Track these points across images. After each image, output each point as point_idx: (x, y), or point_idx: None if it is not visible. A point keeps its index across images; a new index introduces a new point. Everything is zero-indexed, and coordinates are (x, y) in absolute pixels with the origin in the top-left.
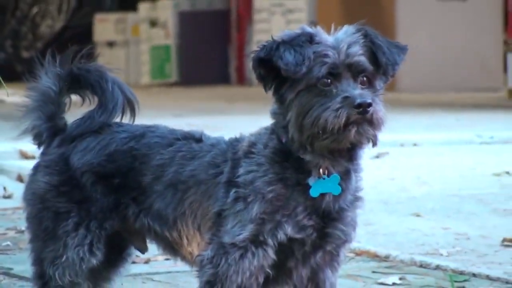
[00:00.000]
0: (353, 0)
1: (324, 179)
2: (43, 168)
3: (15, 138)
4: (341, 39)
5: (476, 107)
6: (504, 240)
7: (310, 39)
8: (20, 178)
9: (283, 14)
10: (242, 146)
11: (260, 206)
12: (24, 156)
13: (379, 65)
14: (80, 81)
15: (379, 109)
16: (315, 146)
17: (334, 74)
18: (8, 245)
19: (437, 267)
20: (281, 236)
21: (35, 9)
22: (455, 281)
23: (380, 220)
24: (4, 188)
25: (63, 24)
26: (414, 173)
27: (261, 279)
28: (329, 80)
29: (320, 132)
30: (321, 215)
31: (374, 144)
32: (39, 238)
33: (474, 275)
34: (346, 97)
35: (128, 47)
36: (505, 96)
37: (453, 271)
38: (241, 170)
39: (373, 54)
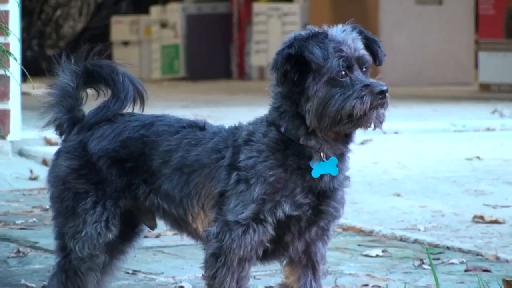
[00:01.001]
0: (341, 5)
1: (324, 161)
2: (64, 153)
3: (41, 129)
4: (346, 36)
5: (451, 99)
6: (475, 217)
7: (326, 36)
8: (45, 162)
9: (279, 17)
10: (242, 135)
11: (261, 187)
12: (49, 142)
13: (374, 57)
14: (94, 76)
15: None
16: (330, 131)
17: (349, 66)
18: (34, 221)
19: (415, 241)
20: (279, 214)
21: (58, 12)
22: (431, 253)
23: (365, 199)
24: (31, 171)
25: (83, 26)
26: (395, 158)
27: (260, 252)
28: (344, 72)
29: (346, 118)
30: (317, 194)
31: (382, 125)
32: (61, 216)
33: (448, 248)
34: (366, 85)
35: (141, 46)
36: (476, 89)
37: (429, 244)
38: (242, 156)
39: (368, 48)
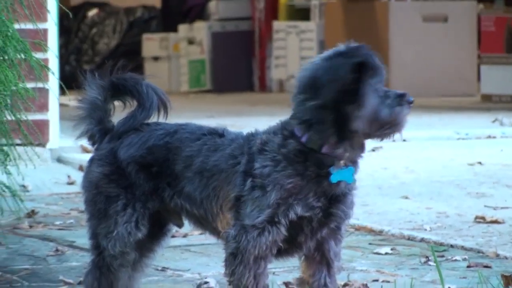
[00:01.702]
0: (353, 23)
1: (343, 169)
2: (97, 160)
3: (75, 139)
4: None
5: (455, 109)
6: (476, 217)
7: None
8: (81, 168)
9: (297, 34)
10: (255, 143)
11: (277, 193)
12: (85, 150)
13: None
14: (120, 89)
15: None
16: (373, 136)
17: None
18: (71, 222)
19: (422, 240)
20: (292, 215)
21: (94, 30)
22: (436, 251)
23: (375, 201)
24: (68, 177)
25: (117, 42)
26: (404, 163)
27: (274, 251)
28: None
29: (390, 123)
30: (329, 198)
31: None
32: (94, 217)
33: (451, 246)
34: (401, 95)
35: (170, 61)
36: (478, 100)
37: (435, 243)
38: (256, 165)
39: None
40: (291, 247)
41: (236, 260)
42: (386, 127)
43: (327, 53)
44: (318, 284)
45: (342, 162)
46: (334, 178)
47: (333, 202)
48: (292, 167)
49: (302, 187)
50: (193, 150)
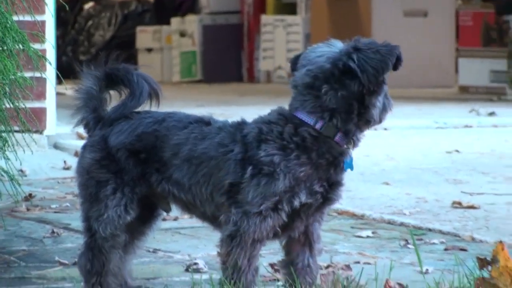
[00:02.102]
0: (337, 17)
1: (351, 158)
2: (89, 147)
3: (72, 128)
4: None
5: (434, 100)
6: (453, 203)
7: None
8: (76, 154)
9: (284, 27)
10: (251, 132)
11: (287, 182)
12: (80, 137)
13: None
14: (113, 79)
15: None
16: (376, 125)
17: None
18: (67, 206)
19: (401, 224)
20: (296, 203)
21: (90, 22)
22: (415, 235)
23: (357, 187)
24: (64, 162)
25: (112, 34)
26: (385, 151)
27: (271, 235)
28: None
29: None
30: (330, 184)
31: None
32: (87, 201)
33: (429, 230)
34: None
35: (163, 52)
36: (456, 91)
37: (414, 227)
38: (261, 153)
39: None
40: (285, 230)
41: (233, 242)
42: (382, 120)
43: (347, 44)
44: (302, 265)
45: (351, 151)
46: (346, 167)
47: (332, 187)
48: (307, 155)
49: (310, 175)
50: (181, 138)
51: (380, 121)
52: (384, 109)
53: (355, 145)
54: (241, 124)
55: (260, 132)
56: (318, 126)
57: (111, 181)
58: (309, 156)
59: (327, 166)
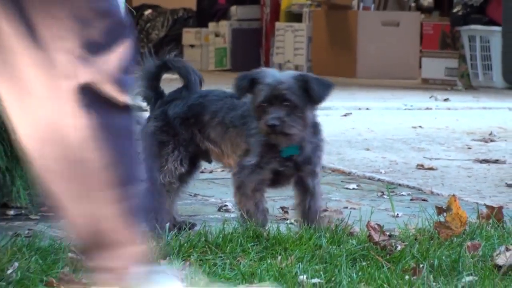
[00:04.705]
0: (332, 25)
1: (288, 148)
2: (153, 118)
3: (133, 95)
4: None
5: (403, 88)
6: (417, 165)
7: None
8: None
9: (292, 32)
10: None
11: (260, 150)
12: (143, 111)
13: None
14: (169, 67)
15: (287, 126)
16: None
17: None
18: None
19: (378, 180)
20: (271, 166)
21: (148, 24)
22: (389, 188)
23: (346, 152)
24: None
25: (164, 34)
26: (366, 125)
27: (266, 185)
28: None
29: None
30: (294, 163)
31: (293, 142)
32: (150, 157)
33: (399, 185)
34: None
35: (202, 48)
36: (420, 82)
37: (388, 182)
38: (252, 130)
39: (306, 90)
40: (277, 183)
41: (240, 192)
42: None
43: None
44: (303, 207)
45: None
46: (284, 154)
47: (297, 166)
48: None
49: (269, 150)
50: (217, 107)
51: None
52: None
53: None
54: None
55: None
56: None
57: (171, 142)
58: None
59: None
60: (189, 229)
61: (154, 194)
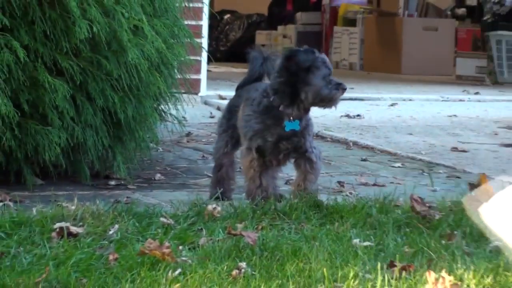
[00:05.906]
0: (381, 29)
1: (291, 121)
2: (228, 105)
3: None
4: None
5: (441, 83)
6: (452, 148)
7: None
8: (218, 108)
9: (347, 35)
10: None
11: (251, 133)
12: (220, 97)
13: None
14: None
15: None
16: (312, 105)
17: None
18: (211, 140)
19: (420, 160)
20: (255, 144)
21: (227, 27)
22: (429, 167)
23: (392, 136)
24: (210, 113)
25: (240, 35)
26: (410, 114)
27: (258, 164)
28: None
29: (327, 99)
30: (279, 137)
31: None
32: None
33: (437, 164)
34: (338, 84)
35: (272, 47)
36: (454, 78)
37: (428, 162)
38: (245, 116)
39: None
40: (269, 160)
41: (243, 172)
42: (324, 101)
43: (288, 53)
44: (297, 183)
45: (291, 118)
46: (287, 128)
47: (283, 140)
48: (261, 118)
49: (263, 130)
50: (246, 99)
51: (313, 103)
52: (317, 95)
53: (297, 115)
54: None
55: (246, 99)
56: (272, 99)
57: (224, 126)
58: (262, 118)
59: (274, 125)
60: (279, 201)
61: (215, 167)
